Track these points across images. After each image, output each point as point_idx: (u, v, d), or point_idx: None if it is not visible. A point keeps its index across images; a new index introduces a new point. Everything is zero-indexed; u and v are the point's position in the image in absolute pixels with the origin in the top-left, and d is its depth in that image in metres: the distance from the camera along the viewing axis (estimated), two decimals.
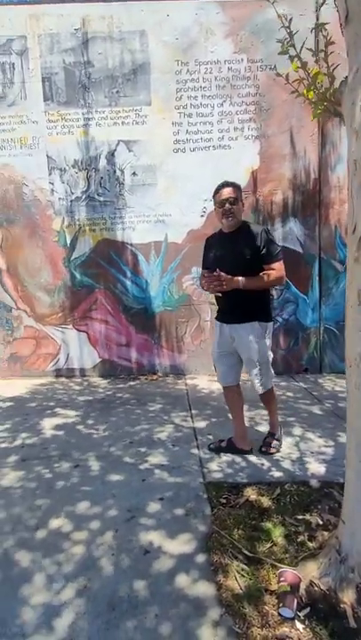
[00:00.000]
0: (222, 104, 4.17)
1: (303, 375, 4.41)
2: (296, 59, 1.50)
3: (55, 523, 2.01)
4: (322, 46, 1.59)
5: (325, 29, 1.59)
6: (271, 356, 2.62)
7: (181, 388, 4.08)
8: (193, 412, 3.47)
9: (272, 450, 2.71)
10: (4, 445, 2.89)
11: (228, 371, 2.70)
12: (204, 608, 1.53)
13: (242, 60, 4.11)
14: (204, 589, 1.60)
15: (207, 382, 4.22)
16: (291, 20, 1.57)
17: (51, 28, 4.01)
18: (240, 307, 2.48)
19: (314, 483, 2.37)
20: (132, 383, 4.25)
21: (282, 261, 2.49)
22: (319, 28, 1.57)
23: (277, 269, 2.46)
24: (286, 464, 2.58)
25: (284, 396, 3.82)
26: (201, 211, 4.26)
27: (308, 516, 2.05)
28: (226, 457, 2.67)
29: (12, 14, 4.02)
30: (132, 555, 1.79)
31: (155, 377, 4.40)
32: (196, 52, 4.09)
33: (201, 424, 3.20)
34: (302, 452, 2.74)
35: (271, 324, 2.61)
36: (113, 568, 1.72)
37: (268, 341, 2.59)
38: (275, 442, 2.76)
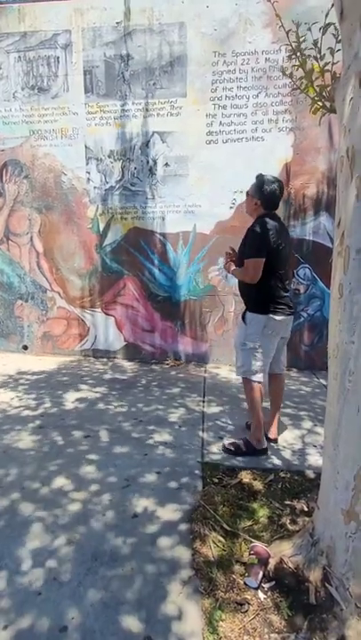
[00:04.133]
0: (257, 95, 4.15)
1: (325, 372, 4.36)
2: (295, 57, 1.54)
3: (58, 482, 2.22)
4: (327, 44, 1.61)
5: (336, 28, 1.60)
6: (250, 345, 2.57)
7: (201, 376, 4.19)
8: (207, 398, 3.58)
9: (227, 447, 2.63)
10: (26, 412, 3.17)
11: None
12: (176, 568, 1.66)
13: (280, 50, 4.06)
14: (180, 553, 1.74)
15: (227, 372, 4.30)
16: (299, 24, 1.60)
17: (94, 22, 4.18)
18: (242, 296, 2.75)
19: (309, 473, 2.42)
20: (154, 367, 4.42)
21: (254, 260, 2.49)
22: (326, 26, 1.58)
23: (246, 267, 2.55)
24: (286, 453, 2.64)
25: (302, 391, 3.83)
26: (230, 202, 4.30)
27: (294, 502, 2.11)
28: (229, 441, 2.76)
29: (58, 9, 4.23)
30: (121, 516, 1.96)
31: (177, 363, 4.55)
32: (233, 43, 4.10)
33: (212, 410, 3.31)
34: (305, 444, 2.78)
35: (260, 315, 2.56)
36: (102, 525, 1.89)
37: (254, 331, 2.57)
38: (236, 446, 2.62)
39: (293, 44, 1.60)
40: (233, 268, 2.70)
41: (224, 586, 1.58)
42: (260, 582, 1.59)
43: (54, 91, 4.31)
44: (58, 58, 4.24)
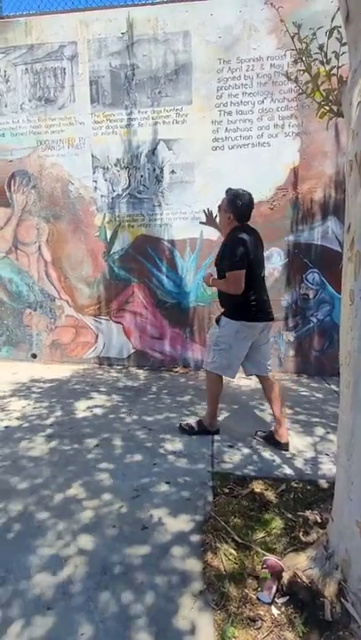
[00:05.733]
0: (263, 101, 4.16)
1: (336, 378, 4.30)
2: (300, 61, 1.53)
3: (69, 491, 2.21)
4: (332, 48, 1.59)
5: (339, 32, 1.59)
6: (221, 347, 2.75)
7: None
8: (218, 405, 3.54)
9: (183, 427, 2.95)
10: (37, 421, 3.17)
11: (247, 362, 2.92)
12: (188, 581, 1.63)
13: (285, 55, 4.06)
14: (191, 566, 1.70)
15: (236, 378, 4.24)
16: (300, 25, 1.59)
17: (99, 33, 4.23)
18: (220, 302, 2.88)
19: (322, 483, 2.37)
20: (163, 375, 4.40)
21: (234, 273, 2.60)
22: (332, 30, 1.57)
23: (228, 280, 2.66)
24: (298, 462, 2.60)
25: (313, 397, 3.78)
26: None
27: (307, 513, 2.07)
28: (239, 450, 2.73)
29: (64, 21, 4.30)
30: (131, 527, 1.93)
31: (186, 370, 4.52)
32: (238, 50, 4.11)
33: (222, 417, 3.27)
34: (318, 453, 2.73)
35: (233, 321, 2.71)
36: (112, 536, 1.87)
37: (226, 333, 2.73)
38: (190, 426, 2.93)
39: (298, 48, 1.58)
40: (213, 279, 2.83)
41: (236, 600, 1.54)
42: (274, 597, 1.55)
43: (61, 101, 4.37)
44: (64, 69, 4.30)
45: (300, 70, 1.54)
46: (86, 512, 2.03)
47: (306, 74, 1.66)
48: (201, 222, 3.16)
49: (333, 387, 4.05)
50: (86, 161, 4.42)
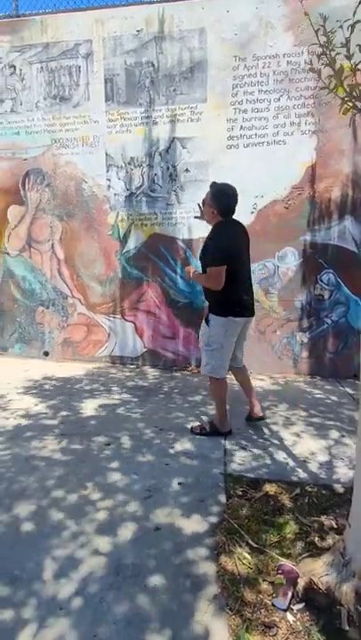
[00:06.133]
0: (279, 99, 4.10)
1: (351, 381, 4.23)
2: (324, 55, 1.49)
3: (81, 490, 2.20)
4: (355, 42, 1.55)
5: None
6: (213, 347, 2.75)
7: None
8: (228, 406, 3.50)
9: (194, 430, 2.93)
10: (49, 419, 3.17)
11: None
12: (202, 585, 1.60)
13: (302, 52, 4.01)
14: (205, 569, 1.68)
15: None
16: (326, 18, 1.55)
17: (115, 30, 4.22)
18: (206, 298, 2.88)
19: (338, 487, 2.32)
20: (174, 374, 4.38)
21: (215, 269, 2.61)
22: (355, 24, 1.53)
23: (209, 275, 2.68)
24: (313, 466, 2.55)
25: (328, 400, 3.72)
26: (251, 207, 4.24)
27: (323, 518, 2.03)
28: (252, 451, 2.70)
29: (79, 19, 4.30)
30: (144, 528, 1.91)
31: (198, 370, 4.49)
32: (254, 47, 4.06)
33: (234, 418, 3.23)
34: (333, 457, 2.68)
35: (222, 318, 2.71)
36: (125, 537, 1.85)
37: (217, 332, 2.73)
38: (202, 428, 2.92)
39: (323, 42, 1.54)
40: (193, 272, 2.83)
41: (251, 606, 1.51)
42: (290, 603, 1.52)
43: (75, 100, 4.37)
44: (79, 67, 4.30)
45: (323, 64, 1.50)
46: (100, 512, 2.01)
47: (328, 69, 1.62)
48: (195, 217, 3.17)
49: (348, 389, 3.98)
50: (100, 159, 4.42)
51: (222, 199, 2.70)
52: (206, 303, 2.93)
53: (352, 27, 1.54)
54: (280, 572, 1.59)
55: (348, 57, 1.50)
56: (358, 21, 1.55)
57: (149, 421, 3.14)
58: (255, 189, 4.19)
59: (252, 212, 4.25)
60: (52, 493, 2.19)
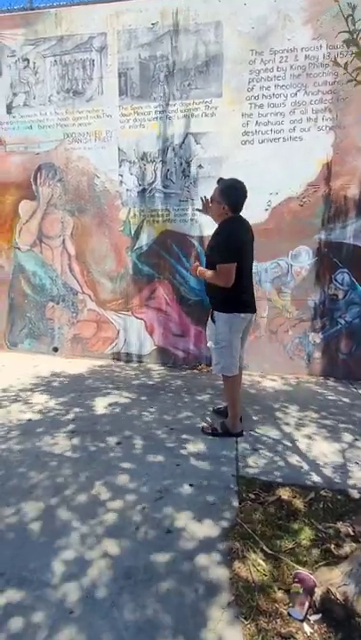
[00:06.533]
0: (296, 94, 4.01)
1: None
2: (354, 45, 1.42)
3: (92, 490, 2.17)
4: None
5: None
6: (222, 344, 2.73)
7: None
8: (241, 406, 3.46)
9: (205, 430, 2.89)
10: (59, 416, 3.15)
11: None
12: (215, 591, 1.56)
13: (320, 46, 3.91)
14: (218, 575, 1.64)
15: (258, 379, 4.17)
16: (355, 7, 1.48)
17: (130, 24, 4.16)
18: (208, 295, 2.87)
19: (354, 493, 2.26)
20: (184, 372, 4.34)
21: (226, 266, 2.58)
22: None
23: (219, 272, 2.64)
24: (327, 470, 2.49)
25: (340, 402, 3.65)
26: (265, 205, 4.17)
27: (339, 525, 1.97)
28: (264, 453, 2.64)
29: (94, 13, 4.24)
30: (155, 531, 1.88)
31: (208, 369, 4.44)
32: (271, 41, 3.98)
33: (246, 420, 3.18)
34: (347, 460, 2.62)
35: (228, 314, 2.70)
36: (136, 539, 1.82)
37: (223, 330, 2.71)
38: (213, 428, 2.87)
39: (352, 30, 1.47)
40: (201, 269, 2.78)
41: (267, 615, 1.46)
42: (306, 614, 1.47)
43: (89, 94, 4.32)
44: (93, 61, 4.25)
45: (355, 54, 1.43)
46: (110, 513, 1.98)
47: (355, 61, 1.55)
48: (197, 209, 3.12)
49: None
50: (113, 154, 4.37)
51: (232, 194, 2.68)
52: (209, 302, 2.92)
53: None
54: (296, 580, 1.54)
55: None
56: None
57: (160, 421, 3.10)
58: (270, 186, 4.11)
59: (266, 210, 4.17)
60: (62, 492, 2.16)
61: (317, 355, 4.30)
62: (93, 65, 4.25)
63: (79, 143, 4.42)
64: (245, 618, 1.44)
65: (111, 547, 1.77)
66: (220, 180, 2.77)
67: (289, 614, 1.47)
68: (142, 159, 4.32)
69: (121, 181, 4.39)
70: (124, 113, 4.29)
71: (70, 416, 3.17)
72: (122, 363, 4.59)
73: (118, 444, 2.72)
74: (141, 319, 4.57)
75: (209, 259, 2.79)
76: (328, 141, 4.02)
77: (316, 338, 4.28)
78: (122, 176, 4.38)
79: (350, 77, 1.52)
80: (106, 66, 4.25)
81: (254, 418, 3.22)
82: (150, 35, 4.14)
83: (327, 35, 3.89)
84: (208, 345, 2.94)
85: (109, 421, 3.06)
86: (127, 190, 4.39)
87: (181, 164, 4.26)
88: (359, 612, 1.46)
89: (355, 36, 1.44)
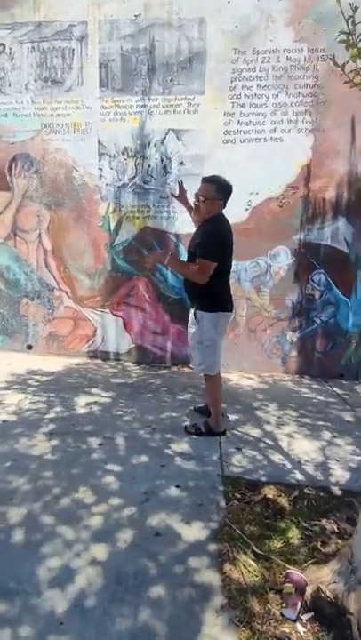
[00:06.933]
0: (277, 95, 4.05)
1: (338, 381, 4.27)
2: (354, 47, 1.43)
3: (76, 494, 2.11)
4: None
5: None
6: (206, 343, 2.72)
7: None
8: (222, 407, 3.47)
9: (189, 430, 2.86)
10: (37, 416, 3.05)
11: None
12: (208, 595, 1.55)
13: (302, 49, 3.96)
14: (210, 578, 1.63)
15: (238, 377, 4.20)
16: (356, 8, 1.49)
17: (111, 14, 4.05)
18: (189, 293, 2.87)
19: (335, 490, 2.31)
20: (163, 371, 4.30)
21: (207, 262, 2.57)
22: None
23: (199, 266, 2.62)
24: (309, 468, 2.54)
25: (316, 400, 3.73)
26: (245, 204, 4.19)
27: (323, 522, 2.01)
28: (247, 452, 2.66)
29: (74, 0, 4.10)
30: (144, 534, 1.84)
31: (187, 367, 4.43)
32: (254, 41, 3.98)
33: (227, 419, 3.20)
34: (327, 458, 2.68)
35: (212, 314, 2.70)
36: (125, 544, 1.78)
37: (208, 329, 2.70)
38: (197, 428, 2.84)
39: (346, 32, 1.48)
40: (178, 259, 2.84)
41: (260, 617, 1.47)
42: (299, 613, 1.48)
43: (68, 83, 4.18)
44: (73, 50, 4.11)
45: (352, 57, 1.44)
46: (95, 517, 1.93)
47: (351, 63, 1.56)
48: (173, 195, 3.07)
49: (336, 389, 4.01)
50: (92, 147, 4.26)
51: (228, 192, 2.71)
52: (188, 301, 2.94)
53: None
54: (288, 580, 1.55)
55: None
56: None
57: (142, 420, 3.06)
58: (250, 186, 4.13)
59: (247, 209, 4.20)
60: (44, 496, 2.09)
61: (294, 353, 4.38)
62: (73, 54, 4.12)
63: (57, 134, 4.28)
64: (240, 621, 1.44)
65: (99, 552, 1.72)
66: (211, 179, 2.74)
67: (282, 615, 1.48)
68: (123, 153, 4.23)
69: (100, 175, 4.29)
70: (104, 105, 4.18)
71: (49, 416, 3.07)
72: (99, 361, 4.50)
73: (100, 444, 2.66)
74: (120, 317, 4.49)
75: (193, 255, 2.76)
76: (308, 144, 4.08)
77: (293, 337, 4.36)
78: (101, 170, 4.28)
79: (354, 77, 1.52)
80: (86, 56, 4.13)
81: (236, 417, 3.24)
82: (133, 27, 4.05)
83: (308, 38, 3.95)
84: (190, 344, 2.92)
85: (90, 421, 2.99)
86: (107, 185, 4.29)
87: (163, 160, 4.21)
88: (349, 609, 1.49)
89: (353, 38, 1.45)
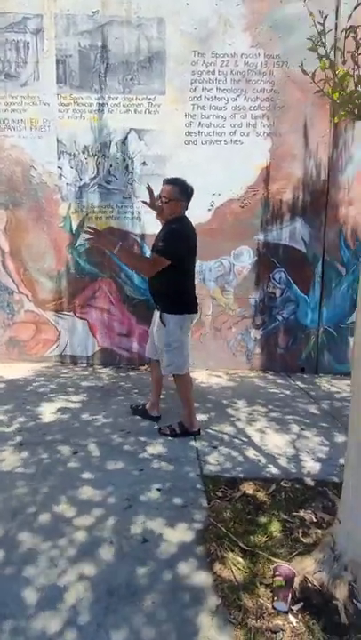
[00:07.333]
0: (236, 98, 4.13)
1: (300, 375, 4.44)
2: (325, 58, 1.49)
3: (54, 507, 2.03)
4: (349, 48, 1.58)
5: (355, 32, 1.58)
6: (174, 345, 2.74)
7: None
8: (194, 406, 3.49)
9: (163, 431, 2.88)
10: (2, 427, 2.90)
11: (151, 346, 3.01)
12: (201, 597, 1.56)
13: (258, 54, 4.07)
14: (201, 579, 1.64)
15: (206, 376, 4.25)
16: (326, 17, 1.55)
17: (68, 8, 3.93)
18: (154, 295, 2.87)
19: (308, 481, 2.41)
20: (131, 373, 4.26)
21: (161, 258, 2.60)
22: (350, 30, 1.55)
23: (153, 261, 2.68)
24: (282, 461, 2.63)
25: (281, 394, 3.86)
26: (208, 205, 4.24)
27: (302, 513, 2.09)
28: (223, 450, 2.70)
29: None
30: (130, 542, 1.82)
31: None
32: (213, 44, 4.04)
33: (199, 417, 3.22)
34: (298, 450, 2.78)
35: (178, 316, 2.73)
36: (112, 554, 1.75)
37: (175, 331, 2.73)
38: (171, 429, 2.86)
39: (318, 42, 1.54)
40: (122, 249, 2.68)
41: (254, 612, 1.50)
42: (290, 605, 1.53)
43: (23, 78, 4.01)
44: (28, 43, 3.94)
45: (326, 68, 1.50)
46: (78, 531, 1.87)
47: (319, 72, 1.62)
48: (143, 202, 3.06)
49: (299, 383, 4.17)
50: (51, 145, 4.11)
51: (189, 193, 2.75)
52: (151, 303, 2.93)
53: (347, 32, 1.56)
54: (278, 574, 1.60)
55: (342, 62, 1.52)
56: (353, 27, 1.57)
57: (114, 425, 3.01)
58: (212, 187, 4.19)
59: (210, 210, 4.25)
60: (21, 513, 1.99)
61: (258, 350, 4.50)
62: (28, 48, 3.95)
63: (12, 130, 4.09)
64: (235, 619, 1.46)
65: (87, 566, 1.68)
66: (173, 180, 2.77)
67: (274, 608, 1.52)
68: (83, 152, 4.13)
69: (60, 174, 4.16)
70: (63, 102, 4.06)
71: (15, 427, 2.94)
72: (65, 365, 4.37)
73: (75, 453, 2.58)
74: (84, 319, 4.39)
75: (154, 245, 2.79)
76: (266, 147, 4.21)
77: (257, 334, 4.48)
78: (61, 169, 4.15)
79: (323, 86, 1.58)
80: (42, 50, 3.98)
81: (207, 415, 3.27)
82: (91, 23, 3.96)
83: (265, 44, 4.06)
84: (157, 346, 2.90)
85: (60, 429, 2.90)
86: (67, 184, 4.17)
87: (125, 159, 4.16)
88: (335, 595, 1.56)
89: (325, 49, 1.51)
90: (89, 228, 2.76)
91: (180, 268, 2.66)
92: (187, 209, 2.79)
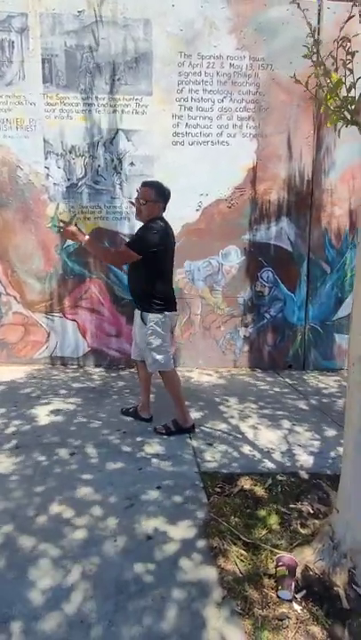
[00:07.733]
0: (223, 100, 4.18)
1: (287, 371, 4.54)
2: (321, 66, 1.54)
3: (54, 508, 2.04)
4: (340, 55, 1.64)
5: (349, 40, 1.64)
6: (155, 344, 2.77)
7: None
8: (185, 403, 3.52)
9: (159, 430, 2.91)
10: None
11: (135, 347, 3.03)
12: (207, 590, 1.60)
13: (244, 57, 4.13)
14: (206, 573, 1.68)
15: (197, 375, 4.30)
16: (318, 29, 1.60)
17: (53, 7, 3.90)
18: (133, 295, 2.92)
19: (303, 474, 2.48)
20: (122, 373, 4.27)
21: (130, 251, 2.68)
22: (342, 41, 1.61)
23: (122, 251, 2.82)
24: (277, 455, 2.69)
25: (271, 391, 3.93)
26: (196, 205, 4.28)
27: (299, 505, 2.15)
28: (219, 447, 2.75)
29: None
30: (134, 540, 1.84)
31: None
32: (199, 46, 4.08)
33: (193, 415, 3.26)
34: (291, 445, 2.86)
35: (158, 315, 2.76)
36: (116, 553, 1.76)
37: (156, 330, 2.77)
38: (166, 428, 2.90)
39: (314, 51, 1.59)
40: (91, 240, 2.79)
41: (259, 602, 1.55)
42: (293, 593, 1.58)
43: (9, 77, 3.96)
44: (12, 42, 3.90)
45: (321, 75, 1.55)
46: (79, 531, 1.88)
47: (313, 79, 1.68)
48: (131, 202, 3.17)
49: (288, 380, 4.26)
50: (37, 145, 4.07)
51: (167, 195, 2.82)
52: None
53: (340, 41, 1.61)
54: (281, 564, 1.65)
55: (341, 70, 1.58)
56: (345, 38, 1.63)
57: (110, 425, 3.02)
58: (200, 187, 4.24)
59: (198, 210, 4.30)
60: (20, 516, 1.98)
61: (246, 348, 4.57)
62: (13, 47, 3.90)
63: None
64: (242, 610, 1.51)
65: (93, 565, 1.69)
66: (148, 183, 2.85)
67: (278, 597, 1.57)
68: (70, 152, 4.11)
69: (48, 175, 4.12)
70: (49, 102, 4.02)
71: (9, 430, 2.92)
72: (55, 367, 4.34)
73: (72, 454, 2.58)
74: (74, 320, 4.37)
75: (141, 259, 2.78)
76: (252, 148, 4.28)
77: (246, 332, 4.55)
78: (48, 169, 4.12)
79: (316, 92, 1.63)
80: (27, 49, 3.94)
81: (201, 413, 3.32)
82: (77, 22, 3.94)
83: (250, 46, 4.13)
84: (140, 346, 2.93)
85: (56, 431, 2.89)
86: (55, 184, 4.14)
87: (113, 160, 4.16)
88: (336, 582, 1.62)
89: (319, 57, 1.56)
90: (60, 221, 2.81)
91: (156, 268, 2.72)
92: (165, 210, 2.84)
